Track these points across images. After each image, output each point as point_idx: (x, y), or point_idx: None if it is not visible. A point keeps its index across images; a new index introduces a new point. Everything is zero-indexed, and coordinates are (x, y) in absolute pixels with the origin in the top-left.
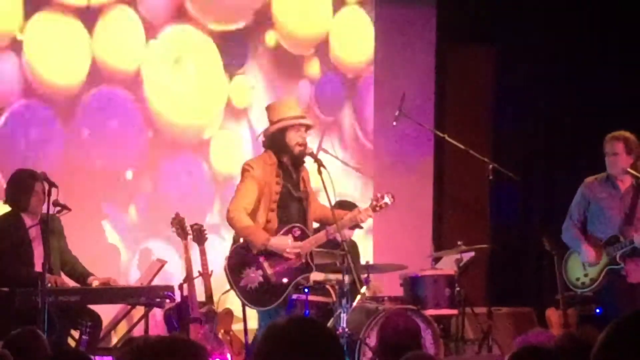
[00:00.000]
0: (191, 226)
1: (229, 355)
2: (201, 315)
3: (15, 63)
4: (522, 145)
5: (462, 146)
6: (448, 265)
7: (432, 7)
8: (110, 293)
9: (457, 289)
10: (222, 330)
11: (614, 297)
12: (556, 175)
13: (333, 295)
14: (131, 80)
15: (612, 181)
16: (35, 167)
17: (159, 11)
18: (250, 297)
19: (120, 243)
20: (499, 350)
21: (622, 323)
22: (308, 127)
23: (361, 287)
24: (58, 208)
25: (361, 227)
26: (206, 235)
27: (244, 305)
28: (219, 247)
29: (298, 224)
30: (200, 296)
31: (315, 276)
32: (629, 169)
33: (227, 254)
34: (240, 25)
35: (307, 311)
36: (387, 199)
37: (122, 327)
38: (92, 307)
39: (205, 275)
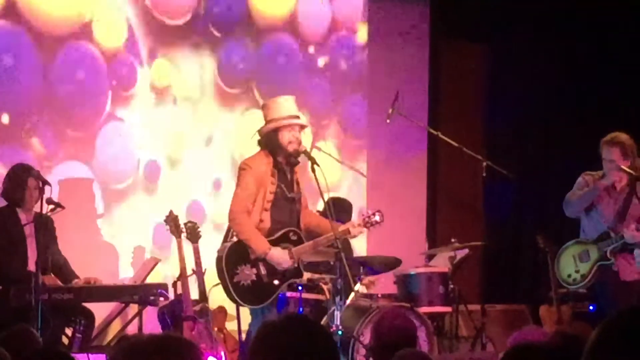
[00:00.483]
0: (185, 224)
1: (222, 353)
2: (195, 313)
3: None
4: (515, 142)
5: (455, 144)
6: (442, 262)
7: (426, 5)
8: (104, 291)
9: (451, 286)
10: (215, 328)
11: (607, 294)
12: (550, 173)
13: (327, 293)
14: None
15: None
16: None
17: None
18: (241, 293)
19: (115, 241)
20: (492, 347)
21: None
22: (302, 127)
23: (355, 284)
24: (52, 206)
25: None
26: (200, 233)
27: (235, 302)
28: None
29: (294, 228)
30: (194, 294)
31: (309, 274)
32: (623, 167)
33: (220, 246)
34: None
35: (301, 309)
36: (377, 217)
37: (116, 325)
38: (86, 305)
39: (199, 273)
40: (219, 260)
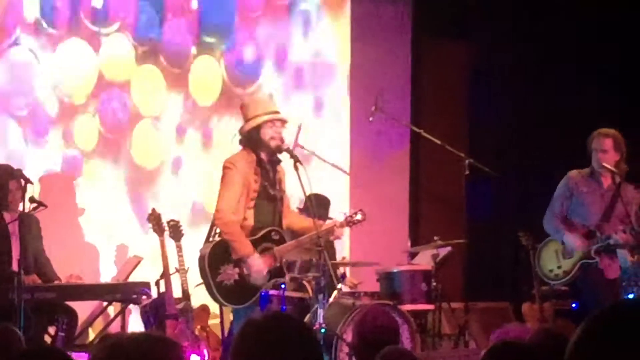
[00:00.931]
0: (167, 222)
1: (205, 351)
2: (177, 312)
3: None
4: (498, 140)
5: (438, 141)
6: (425, 260)
7: (408, 2)
8: (87, 290)
9: (434, 284)
10: (198, 326)
11: (590, 291)
12: (532, 171)
13: (310, 291)
14: None
15: (596, 177)
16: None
17: None
18: (224, 293)
19: (98, 239)
20: (475, 344)
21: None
22: (283, 122)
23: (338, 283)
24: (34, 205)
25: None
26: (182, 232)
27: (218, 302)
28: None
29: (275, 227)
30: (177, 292)
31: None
32: (606, 164)
33: (202, 246)
34: None
35: (284, 307)
36: (359, 216)
37: (99, 324)
38: (69, 303)
39: (182, 271)
40: (201, 259)
